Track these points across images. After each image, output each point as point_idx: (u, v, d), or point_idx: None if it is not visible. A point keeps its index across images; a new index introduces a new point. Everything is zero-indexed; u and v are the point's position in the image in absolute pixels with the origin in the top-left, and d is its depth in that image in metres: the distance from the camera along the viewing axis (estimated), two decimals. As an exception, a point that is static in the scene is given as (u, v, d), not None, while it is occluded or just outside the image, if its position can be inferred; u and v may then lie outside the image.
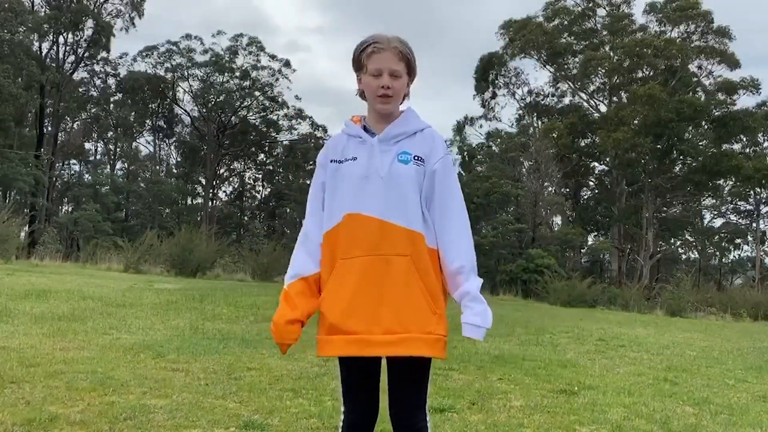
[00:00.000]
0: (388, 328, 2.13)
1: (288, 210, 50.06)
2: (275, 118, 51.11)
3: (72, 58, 43.53)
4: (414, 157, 2.24)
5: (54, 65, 41.66)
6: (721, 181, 39.30)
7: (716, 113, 37.19)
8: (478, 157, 45.33)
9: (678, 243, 48.15)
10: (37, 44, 41.13)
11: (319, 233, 2.28)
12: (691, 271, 38.09)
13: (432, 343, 2.16)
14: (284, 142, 52.16)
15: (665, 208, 41.47)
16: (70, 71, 43.57)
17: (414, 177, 2.22)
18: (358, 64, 2.31)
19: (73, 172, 51.07)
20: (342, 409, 2.33)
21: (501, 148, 41.43)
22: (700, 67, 38.83)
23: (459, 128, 47.18)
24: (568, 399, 5.20)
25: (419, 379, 2.24)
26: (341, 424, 2.33)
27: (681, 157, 38.96)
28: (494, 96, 45.11)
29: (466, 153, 46.52)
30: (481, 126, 46.86)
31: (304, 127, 51.74)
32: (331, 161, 2.31)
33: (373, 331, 2.14)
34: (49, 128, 43.06)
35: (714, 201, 42.66)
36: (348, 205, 2.22)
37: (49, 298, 9.73)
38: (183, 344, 6.58)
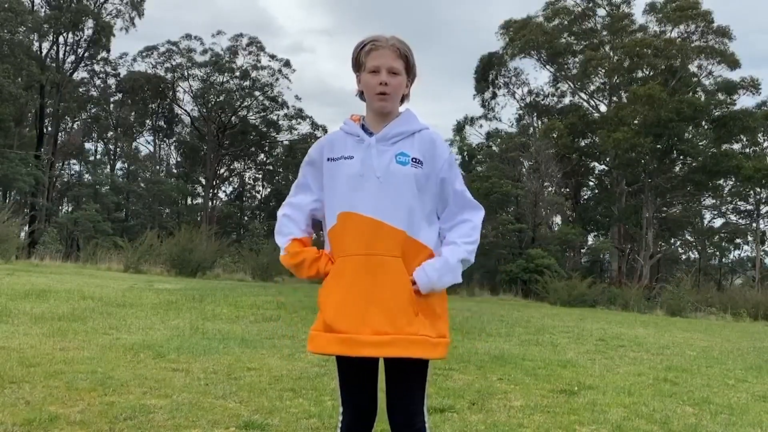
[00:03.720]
0: (376, 329, 2.14)
1: (288, 210, 49.89)
2: (275, 118, 51.15)
3: (72, 58, 43.58)
4: (412, 159, 2.24)
5: (54, 65, 41.66)
6: (721, 181, 39.28)
7: (716, 113, 37.16)
8: (478, 157, 45.31)
9: (678, 243, 48.12)
10: (37, 44, 41.14)
11: (306, 204, 2.36)
12: (691, 271, 38.07)
13: (418, 344, 2.15)
14: (284, 142, 52.19)
15: (665, 208, 41.45)
16: (70, 71, 43.59)
17: (411, 179, 2.22)
18: (357, 64, 2.32)
19: (73, 172, 51.09)
20: (340, 409, 2.34)
21: (501, 148, 41.39)
22: (700, 67, 38.82)
23: (459, 128, 47.19)
24: (568, 399, 5.20)
25: (417, 380, 2.24)
26: (340, 424, 2.33)
27: (681, 157, 38.92)
28: (494, 96, 45.11)
29: (466, 153, 46.53)
30: (481, 126, 46.88)
31: (304, 127, 51.78)
32: (328, 159, 2.32)
33: (362, 331, 2.14)
34: (49, 128, 43.07)
35: (714, 201, 42.64)
36: (344, 204, 2.24)
37: (49, 298, 9.73)
38: (183, 344, 6.58)
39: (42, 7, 41.36)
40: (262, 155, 54.16)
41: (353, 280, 2.18)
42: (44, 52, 41.88)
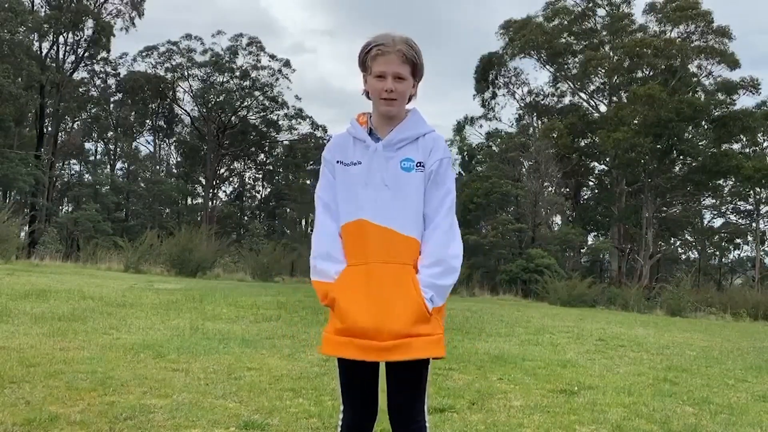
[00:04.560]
0: (394, 334, 2.14)
1: (288, 210, 50.09)
2: (275, 118, 51.16)
3: (72, 58, 43.59)
4: (416, 164, 2.26)
5: (54, 65, 41.69)
6: (720, 181, 39.31)
7: (716, 113, 37.19)
8: (478, 157, 45.33)
9: (678, 243, 48.13)
10: (37, 44, 41.18)
11: (339, 228, 2.30)
12: (690, 271, 38.08)
13: (435, 343, 2.18)
14: (284, 142, 52.20)
15: (665, 208, 41.46)
16: (70, 71, 43.61)
17: (418, 185, 2.25)
18: (363, 65, 2.32)
19: (73, 172, 51.17)
20: (341, 408, 2.34)
21: (501, 148, 41.42)
22: (699, 67, 38.86)
23: (459, 128, 47.21)
24: (568, 399, 5.20)
25: (418, 380, 2.26)
26: (340, 423, 2.33)
27: (681, 157, 38.95)
28: (494, 96, 45.11)
29: (466, 153, 46.54)
30: (481, 126, 46.92)
31: (304, 127, 51.81)
32: (338, 162, 2.32)
33: (378, 338, 2.14)
34: (49, 128, 43.12)
35: (714, 201, 42.66)
36: (353, 211, 2.25)
37: (49, 298, 9.73)
38: (183, 344, 6.58)
39: (42, 7, 41.39)
40: (262, 155, 54.19)
41: (367, 288, 2.18)
42: (44, 52, 41.92)
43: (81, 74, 46.28)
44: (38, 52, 40.81)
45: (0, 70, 33.73)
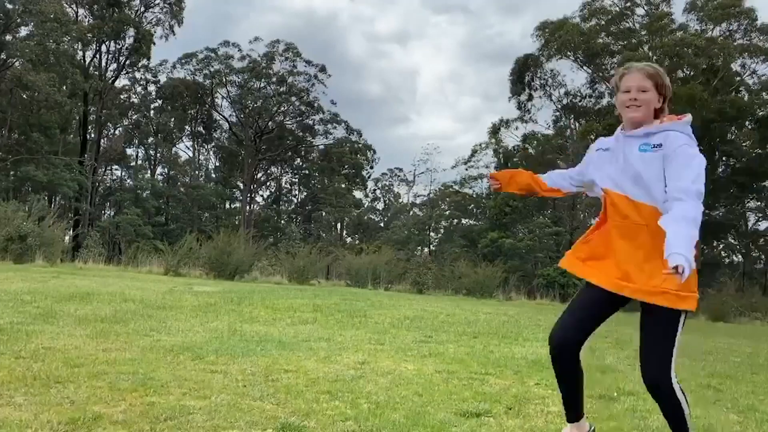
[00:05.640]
0: (639, 279, 2.98)
1: (324, 213, 50.39)
2: (311, 122, 51.57)
3: (114, 66, 44.76)
4: (652, 146, 2.97)
5: (96, 73, 42.87)
6: (766, 183, 38.26)
7: (761, 113, 36.24)
8: (515, 159, 44.97)
9: (721, 246, 46.92)
10: (80, 53, 42.38)
11: (564, 180, 3.75)
12: (734, 275, 37.06)
13: (688, 298, 2.83)
14: (320, 147, 52.56)
15: (707, 211, 40.39)
16: (112, 79, 44.76)
17: (649, 161, 2.92)
18: (615, 88, 3.15)
19: (115, 177, 52.44)
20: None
21: (538, 150, 41.03)
22: (743, 66, 37.92)
23: (494, 130, 46.88)
24: (608, 405, 5.12)
25: (666, 334, 2.99)
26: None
27: (724, 159, 38.06)
28: (530, 98, 44.71)
29: (501, 155, 46.19)
30: (516, 128, 46.51)
31: (339, 132, 52.06)
32: (597, 150, 3.35)
33: (624, 279, 3.02)
34: (92, 135, 44.30)
35: (759, 203, 41.52)
36: (604, 183, 3.18)
37: (92, 300, 9.95)
38: (221, 346, 6.66)
39: (85, 17, 42.59)
40: (299, 160, 54.71)
41: (619, 241, 3.12)
42: (87, 60, 43.11)
43: (122, 82, 47.47)
44: (82, 61, 41.97)
45: (46, 79, 34.74)
